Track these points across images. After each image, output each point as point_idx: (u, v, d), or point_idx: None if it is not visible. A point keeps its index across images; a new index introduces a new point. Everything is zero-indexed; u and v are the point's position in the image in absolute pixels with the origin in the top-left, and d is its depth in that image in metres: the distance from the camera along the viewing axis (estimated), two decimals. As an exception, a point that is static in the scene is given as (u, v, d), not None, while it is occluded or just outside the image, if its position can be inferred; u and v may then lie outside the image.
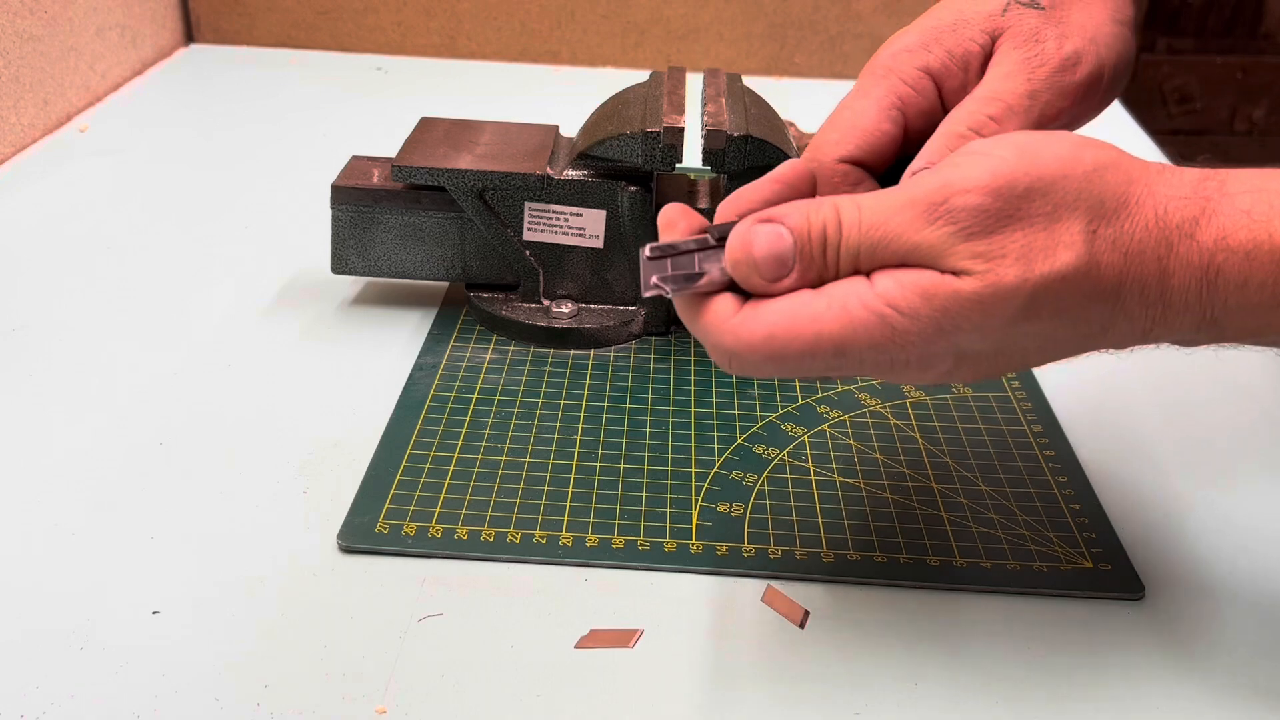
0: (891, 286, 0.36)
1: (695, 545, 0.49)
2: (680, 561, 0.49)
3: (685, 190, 0.65)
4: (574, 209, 0.63)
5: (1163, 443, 0.58)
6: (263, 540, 0.49)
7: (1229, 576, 0.49)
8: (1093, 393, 0.61)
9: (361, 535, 0.49)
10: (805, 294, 0.37)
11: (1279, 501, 0.54)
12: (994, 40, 0.47)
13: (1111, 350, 0.39)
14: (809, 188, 0.42)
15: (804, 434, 0.57)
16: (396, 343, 0.64)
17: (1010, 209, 0.35)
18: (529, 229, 0.64)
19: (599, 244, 0.64)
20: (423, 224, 0.64)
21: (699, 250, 0.39)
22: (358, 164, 0.66)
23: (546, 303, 0.65)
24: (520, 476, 0.53)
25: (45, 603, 0.45)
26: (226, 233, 0.77)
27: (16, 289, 0.68)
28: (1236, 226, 0.36)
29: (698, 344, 0.64)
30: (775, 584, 0.48)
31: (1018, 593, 0.48)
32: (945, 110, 0.47)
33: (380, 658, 0.43)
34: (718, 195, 0.64)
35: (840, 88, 1.12)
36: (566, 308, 0.64)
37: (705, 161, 0.61)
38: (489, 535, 0.49)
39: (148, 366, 0.61)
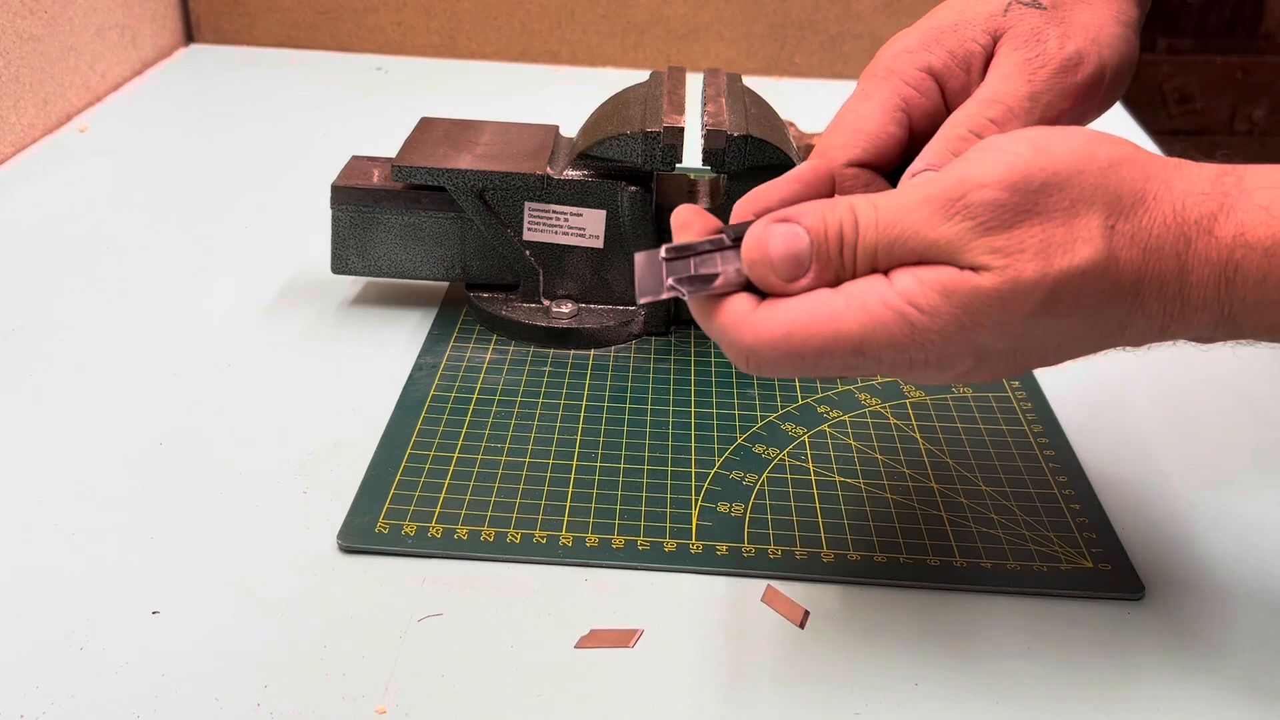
0: (911, 284, 0.36)
1: (695, 545, 0.49)
2: (680, 561, 0.49)
3: (685, 190, 0.65)
4: (574, 209, 0.63)
5: (1163, 443, 0.58)
6: (263, 540, 0.49)
7: (1229, 576, 0.49)
8: (1093, 393, 0.61)
9: (361, 535, 0.49)
10: (824, 292, 0.37)
11: (1279, 501, 0.54)
12: (995, 41, 0.47)
13: (1129, 348, 0.39)
14: (827, 188, 0.41)
15: (804, 434, 0.57)
16: (396, 343, 0.64)
17: (1027, 204, 0.35)
18: (529, 229, 0.64)
19: (599, 244, 0.64)
20: (423, 224, 0.64)
21: (715, 250, 0.38)
22: (358, 164, 0.66)
23: (546, 303, 0.65)
24: (520, 476, 0.53)
25: (45, 603, 0.45)
26: (226, 233, 0.77)
27: (16, 289, 0.68)
28: (1255, 223, 0.36)
29: (698, 344, 0.64)
30: (775, 584, 0.48)
31: (1018, 593, 0.48)
32: (949, 111, 0.47)
33: (380, 658, 0.43)
34: (718, 195, 0.64)
35: (840, 88, 1.12)
36: (566, 308, 0.64)
37: (705, 161, 0.61)
38: (489, 535, 0.49)
39: (148, 366, 0.61)
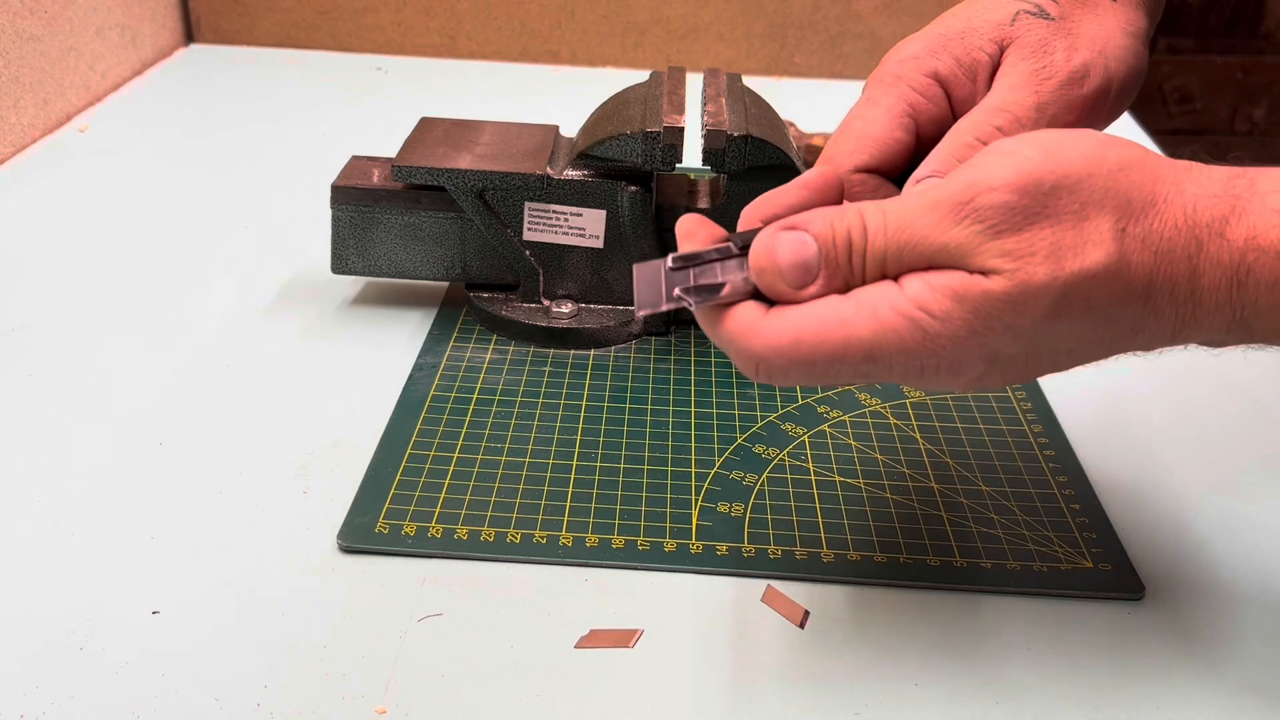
0: (922, 289, 0.36)
1: (695, 545, 0.49)
2: (680, 561, 0.49)
3: (685, 190, 0.65)
4: (574, 209, 0.63)
5: (1163, 443, 0.58)
6: (263, 540, 0.49)
7: (1229, 577, 0.49)
8: (1093, 393, 0.61)
9: (361, 535, 0.49)
10: (833, 299, 0.37)
11: (1279, 501, 0.54)
12: (1002, 50, 0.46)
13: (1140, 352, 0.38)
14: (836, 194, 0.41)
15: (804, 434, 0.57)
16: (396, 343, 0.64)
17: (1038, 206, 0.35)
18: (529, 229, 0.64)
19: (599, 244, 0.64)
20: (423, 224, 0.64)
21: (721, 259, 0.38)
22: (358, 164, 0.66)
23: (546, 303, 0.65)
24: (520, 476, 0.53)
25: (45, 603, 0.45)
26: (226, 233, 0.77)
27: (16, 289, 0.68)
28: (1268, 225, 0.36)
29: (698, 344, 0.64)
30: (775, 584, 0.48)
31: (1018, 593, 0.48)
32: (955, 118, 0.46)
33: (380, 658, 0.43)
34: (718, 195, 0.64)
35: (840, 88, 1.12)
36: (566, 308, 0.64)
37: (705, 161, 0.61)
38: (489, 535, 0.49)
39: (148, 366, 0.61)
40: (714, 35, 1.16)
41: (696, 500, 0.52)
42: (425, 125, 0.68)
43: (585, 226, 0.63)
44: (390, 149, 0.68)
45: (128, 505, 0.51)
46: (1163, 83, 2.40)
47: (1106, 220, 0.35)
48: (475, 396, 0.59)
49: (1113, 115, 0.48)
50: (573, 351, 0.64)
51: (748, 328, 0.37)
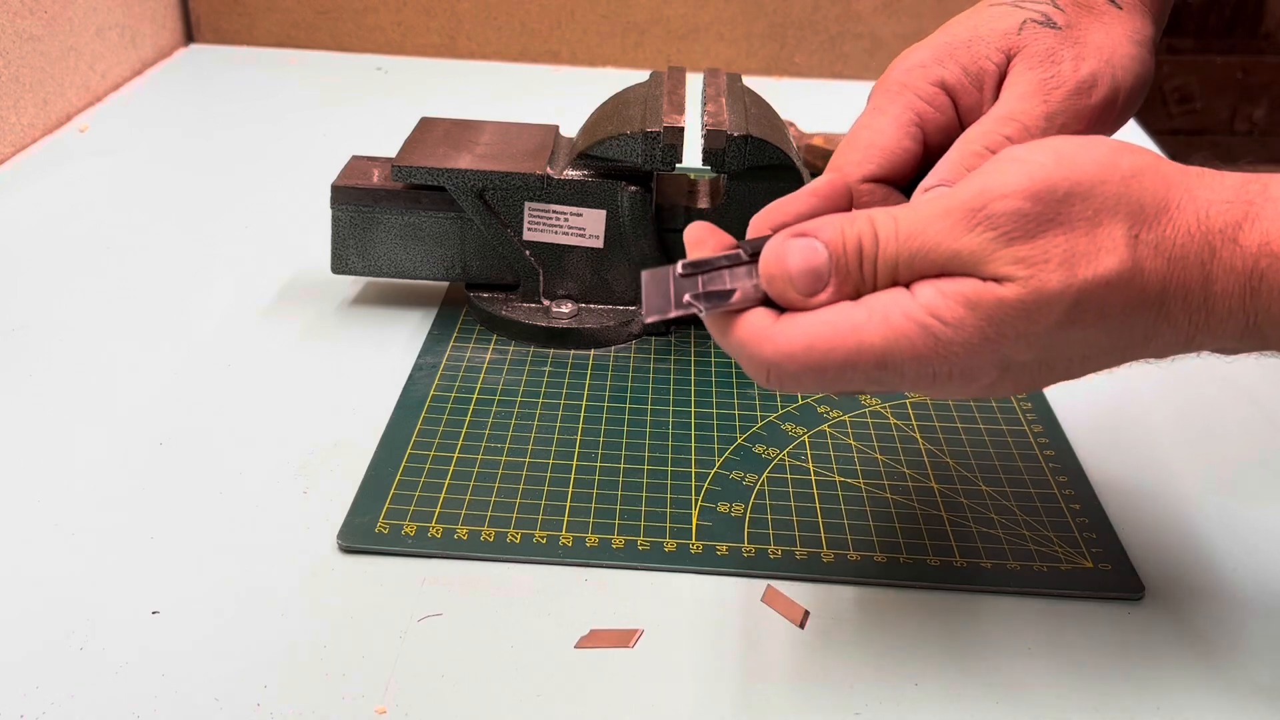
0: (934, 296, 0.36)
1: (695, 545, 0.49)
2: (680, 561, 0.49)
3: (685, 190, 0.65)
4: (574, 209, 0.63)
5: (1163, 442, 0.58)
6: (263, 540, 0.49)
7: (1229, 577, 0.49)
8: (1093, 393, 0.61)
9: (361, 535, 0.49)
10: (845, 305, 0.37)
11: (1279, 502, 0.54)
12: (1009, 59, 0.46)
13: (1154, 360, 0.38)
14: (844, 201, 0.41)
15: (804, 434, 0.57)
16: (396, 343, 0.64)
17: (1050, 213, 0.35)
18: (529, 229, 0.64)
19: (599, 244, 0.64)
20: (423, 224, 0.64)
21: (731, 266, 0.38)
22: (358, 164, 0.66)
23: (546, 303, 0.65)
24: (520, 476, 0.53)
25: (45, 603, 0.45)
26: (226, 233, 0.77)
27: (16, 289, 0.68)
28: None
29: (698, 344, 0.64)
30: (775, 584, 0.48)
31: (1018, 593, 0.48)
32: (962, 126, 0.46)
33: (380, 658, 0.43)
34: (718, 195, 0.64)
35: (840, 88, 1.12)
36: (566, 308, 0.64)
37: (705, 161, 0.61)
38: (489, 535, 0.49)
39: (148, 366, 0.61)
40: (714, 35, 1.16)
41: (696, 500, 0.52)
42: (425, 125, 0.68)
43: (585, 226, 0.63)
44: (390, 149, 0.68)
45: (128, 505, 0.51)
46: (1163, 83, 2.40)
47: (1120, 227, 0.35)
48: (475, 396, 0.59)
49: (1119, 123, 0.48)
50: (573, 351, 0.64)
51: (758, 334, 0.37)
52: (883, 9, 1.15)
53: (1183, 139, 2.43)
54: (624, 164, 0.61)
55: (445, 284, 0.69)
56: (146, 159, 0.88)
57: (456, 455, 0.54)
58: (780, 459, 0.55)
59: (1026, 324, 0.35)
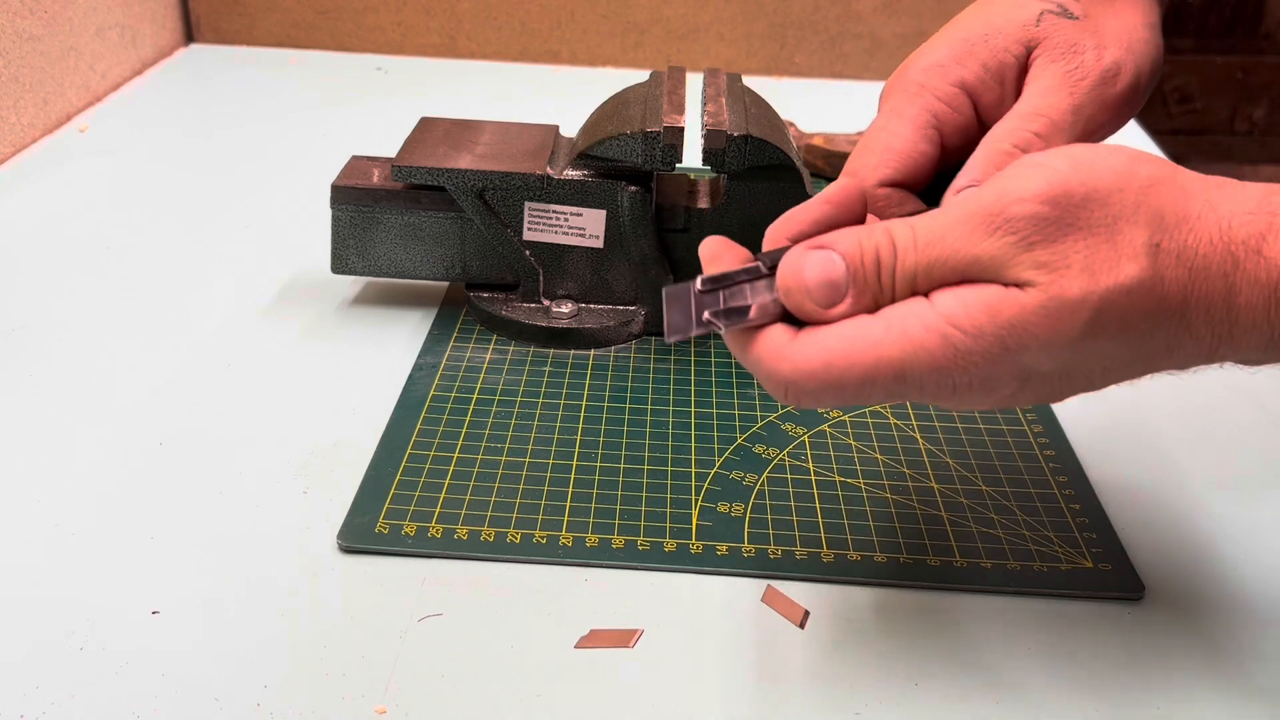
0: (954, 305, 0.35)
1: (695, 545, 0.49)
2: (680, 561, 0.49)
3: (685, 190, 0.65)
4: (574, 209, 0.63)
5: (1163, 442, 0.58)
6: (263, 540, 0.49)
7: (1229, 577, 0.49)
8: (1093, 393, 0.61)
9: (361, 535, 0.49)
10: (862, 319, 0.36)
11: (1279, 502, 0.54)
12: (1029, 52, 0.46)
13: (1175, 371, 0.38)
14: (860, 208, 0.40)
15: (804, 434, 0.57)
16: (396, 343, 0.64)
17: (1069, 217, 0.35)
18: (529, 229, 0.64)
19: (599, 244, 0.64)
20: (423, 224, 0.64)
21: (751, 280, 0.38)
22: (358, 164, 0.66)
23: (546, 303, 0.65)
24: (520, 476, 0.53)
25: (45, 603, 0.45)
26: (226, 233, 0.77)
27: (16, 289, 0.68)
28: None
29: (698, 344, 0.64)
30: (775, 584, 0.48)
31: (1018, 593, 0.48)
32: (982, 125, 0.46)
33: (380, 658, 0.43)
34: (718, 195, 0.64)
35: (840, 87, 1.12)
36: (566, 308, 0.64)
37: (705, 161, 0.61)
38: (489, 535, 0.49)
39: (148, 366, 0.61)
40: (714, 35, 1.16)
41: (696, 500, 0.52)
42: (425, 125, 0.68)
43: (585, 226, 0.63)
44: (390, 149, 0.68)
45: (128, 505, 0.51)
46: (1163, 83, 2.40)
47: (1140, 235, 0.35)
48: (475, 396, 0.59)
49: (1136, 109, 0.47)
50: (573, 351, 0.64)
51: (776, 352, 0.37)
52: (883, 9, 1.15)
53: (1183, 139, 2.43)
54: (624, 164, 0.61)
55: (445, 284, 0.69)
56: (146, 159, 0.88)
57: (456, 455, 0.54)
58: (780, 459, 0.55)
59: (1048, 332, 0.35)
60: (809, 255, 0.37)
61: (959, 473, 0.54)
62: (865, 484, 0.54)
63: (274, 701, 0.41)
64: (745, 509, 0.52)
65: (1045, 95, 0.45)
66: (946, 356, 0.35)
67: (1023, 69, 0.46)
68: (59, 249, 0.73)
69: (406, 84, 1.07)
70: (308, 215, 0.77)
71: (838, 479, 0.54)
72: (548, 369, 0.62)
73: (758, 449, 0.56)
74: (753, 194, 0.62)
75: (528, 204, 0.63)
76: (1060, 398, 0.38)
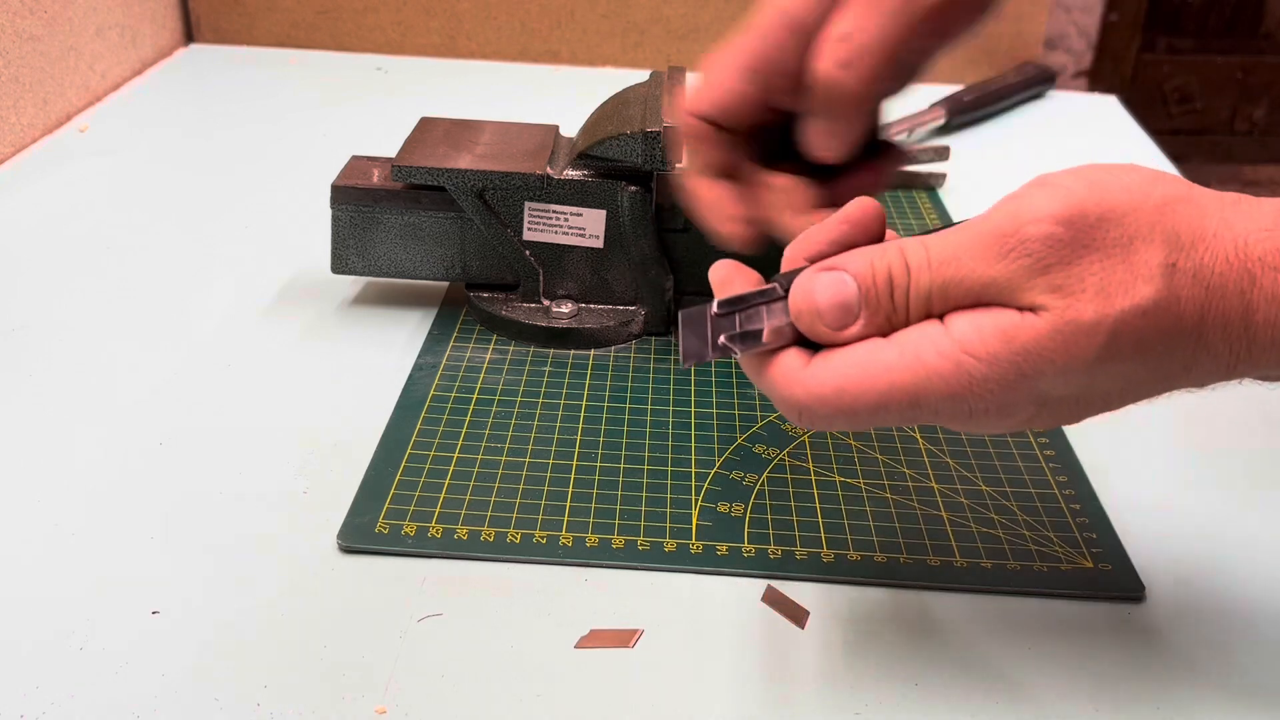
0: (968, 331, 0.35)
1: (695, 545, 0.49)
2: (680, 561, 0.49)
3: (685, 190, 0.65)
4: (574, 209, 0.63)
5: (1163, 442, 0.58)
6: (263, 540, 0.49)
7: (1230, 577, 0.49)
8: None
9: (361, 535, 0.49)
10: (877, 343, 0.36)
11: (1279, 502, 0.54)
12: None
13: (1194, 389, 0.38)
14: (878, 226, 0.40)
15: (804, 434, 0.57)
16: (396, 343, 0.64)
17: (1084, 238, 0.34)
18: (529, 229, 0.64)
19: (599, 244, 0.64)
20: (423, 224, 0.64)
21: (767, 302, 0.38)
22: (358, 164, 0.66)
23: (546, 303, 0.65)
24: (520, 476, 0.53)
25: (45, 603, 0.45)
26: (226, 233, 0.77)
27: (16, 289, 0.68)
28: None
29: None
30: (775, 584, 0.48)
31: (1018, 593, 0.48)
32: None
33: (380, 658, 0.43)
34: (718, 195, 0.64)
35: (840, 88, 1.12)
36: (566, 308, 0.64)
37: (705, 161, 0.61)
38: (489, 535, 0.49)
39: (148, 366, 0.61)
40: (714, 35, 1.15)
41: (696, 500, 0.52)
42: (425, 125, 0.68)
43: (585, 226, 0.63)
44: (390, 149, 0.68)
45: (128, 505, 0.51)
46: (1163, 83, 2.40)
47: (1156, 255, 0.34)
48: (475, 396, 0.59)
49: (977, 18, 0.47)
50: (573, 351, 0.64)
51: (790, 377, 0.37)
52: (883, 9, 1.14)
53: (1183, 139, 2.43)
54: (624, 164, 0.61)
55: (445, 284, 0.69)
56: (146, 159, 0.88)
57: (456, 455, 0.54)
58: (780, 459, 0.55)
59: (1064, 357, 0.34)
60: (820, 277, 0.37)
61: (959, 473, 0.54)
62: (865, 484, 0.54)
63: (274, 701, 0.41)
64: (745, 509, 0.52)
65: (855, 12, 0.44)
66: (961, 383, 0.35)
67: None
68: (59, 249, 0.73)
69: (406, 84, 1.07)
70: (308, 215, 0.77)
71: (838, 479, 0.54)
72: (548, 369, 0.62)
73: (758, 449, 0.56)
74: (753, 194, 0.62)
75: (528, 204, 0.63)
76: (1078, 420, 0.38)
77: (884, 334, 0.37)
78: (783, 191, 0.49)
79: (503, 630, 0.45)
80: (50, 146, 0.89)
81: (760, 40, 0.46)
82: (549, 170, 0.63)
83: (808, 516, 0.51)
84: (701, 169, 0.48)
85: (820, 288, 0.37)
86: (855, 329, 0.37)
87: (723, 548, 0.49)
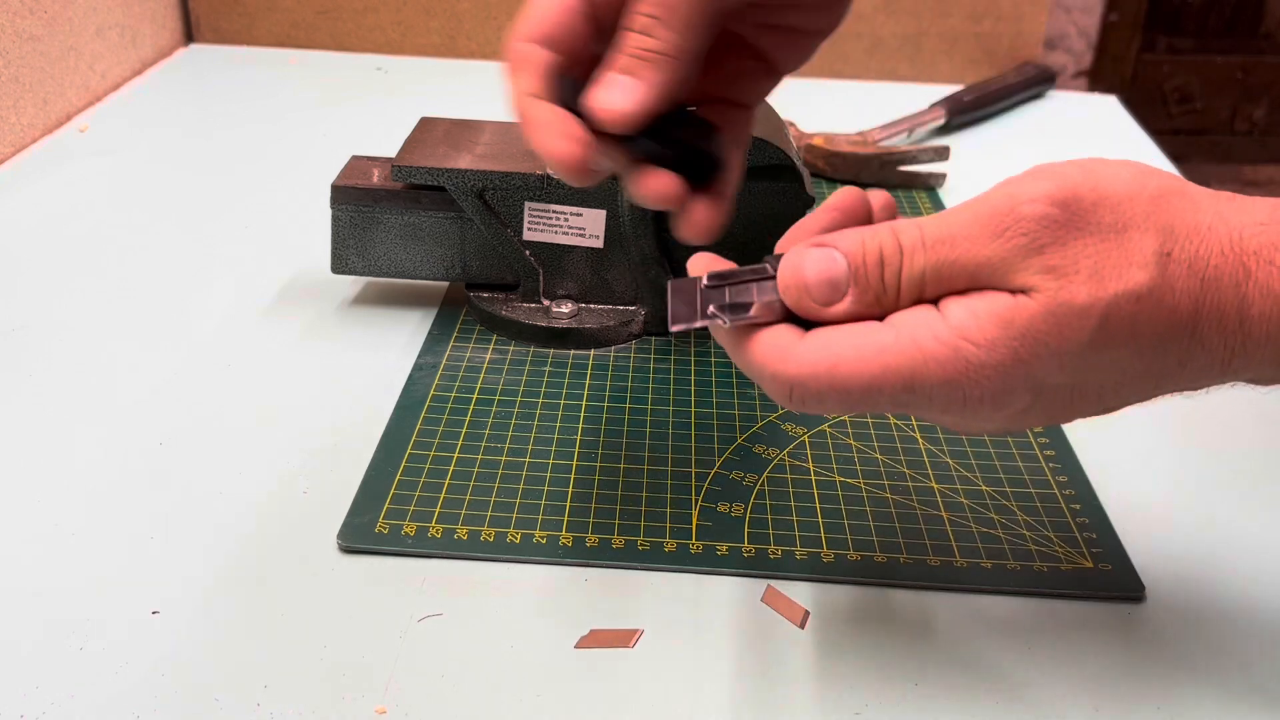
0: (965, 317, 0.35)
1: (695, 545, 0.49)
2: (680, 561, 0.49)
3: (685, 190, 0.65)
4: (574, 209, 0.63)
5: (1163, 442, 0.58)
6: (263, 540, 0.49)
7: (1230, 577, 0.49)
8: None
9: (361, 535, 0.49)
10: (872, 325, 0.36)
11: (1279, 502, 0.54)
12: None
13: (1189, 391, 0.38)
14: (865, 213, 0.40)
15: (804, 434, 0.57)
16: (396, 343, 0.64)
17: (1079, 220, 0.34)
18: (529, 229, 0.64)
19: (599, 244, 0.64)
20: (423, 224, 0.64)
21: (757, 280, 0.38)
22: (358, 164, 0.66)
23: (546, 303, 0.65)
24: (520, 476, 0.53)
25: (45, 603, 0.45)
26: (226, 233, 0.77)
27: (16, 289, 0.68)
28: None
29: (698, 344, 0.64)
30: (775, 584, 0.48)
31: (1018, 593, 0.48)
32: None
33: (380, 658, 0.43)
34: (718, 195, 0.64)
35: (840, 87, 1.12)
36: (566, 308, 0.64)
37: (705, 161, 0.61)
38: (489, 535, 0.49)
39: (148, 366, 0.61)
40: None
41: (696, 500, 0.52)
42: (425, 125, 0.68)
43: (585, 226, 0.63)
44: (390, 149, 0.68)
45: (128, 505, 0.51)
46: (1163, 83, 2.40)
47: (1151, 244, 0.35)
48: (475, 396, 0.59)
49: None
50: (573, 351, 0.64)
51: (782, 353, 0.36)
52: (883, 9, 1.15)
53: (1183, 139, 2.43)
54: (624, 164, 0.61)
55: (445, 284, 0.69)
56: (146, 159, 0.88)
57: (456, 455, 0.54)
58: (780, 459, 0.55)
59: (1057, 340, 0.34)
60: (810, 252, 0.37)
61: (959, 473, 0.54)
62: (865, 484, 0.54)
63: (274, 701, 0.41)
64: (745, 509, 0.52)
65: None
66: (958, 369, 0.35)
67: None
68: (59, 249, 0.73)
69: (406, 84, 1.07)
70: (308, 215, 0.77)
71: (838, 479, 0.54)
72: (548, 369, 0.62)
73: (758, 449, 0.56)
74: (753, 194, 0.62)
75: (528, 204, 0.63)
76: (1070, 417, 0.38)
77: (873, 314, 0.37)
78: None
79: (503, 630, 0.45)
80: (50, 146, 0.89)
81: None
82: (549, 170, 0.63)
83: (808, 516, 0.51)
84: (528, 89, 0.43)
85: (809, 262, 0.37)
86: (843, 306, 0.36)
87: (723, 548, 0.49)
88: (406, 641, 0.44)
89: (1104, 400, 0.37)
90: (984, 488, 0.54)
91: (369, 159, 0.67)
